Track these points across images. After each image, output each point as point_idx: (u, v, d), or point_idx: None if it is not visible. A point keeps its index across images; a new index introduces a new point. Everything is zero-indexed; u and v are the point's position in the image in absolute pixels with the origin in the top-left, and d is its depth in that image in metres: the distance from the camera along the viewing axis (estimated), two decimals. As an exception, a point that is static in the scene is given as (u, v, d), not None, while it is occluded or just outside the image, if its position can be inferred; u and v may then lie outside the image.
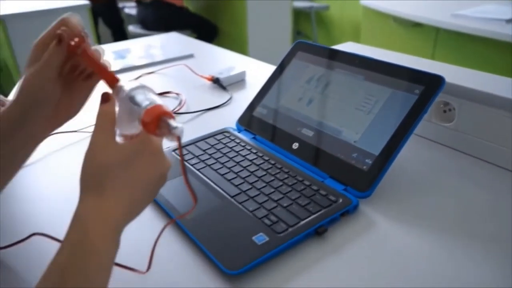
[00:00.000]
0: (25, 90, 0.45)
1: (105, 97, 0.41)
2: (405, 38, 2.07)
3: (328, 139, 0.65)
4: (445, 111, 0.71)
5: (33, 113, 0.45)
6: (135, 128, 0.41)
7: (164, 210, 0.57)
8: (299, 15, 4.02)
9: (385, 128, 0.60)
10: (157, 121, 0.38)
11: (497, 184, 0.62)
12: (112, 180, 0.38)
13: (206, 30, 3.14)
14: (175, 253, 0.51)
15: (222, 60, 1.26)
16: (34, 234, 0.51)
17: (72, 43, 0.45)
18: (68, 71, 0.48)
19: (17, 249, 0.51)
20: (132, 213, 0.40)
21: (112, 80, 0.43)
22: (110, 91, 0.43)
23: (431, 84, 0.60)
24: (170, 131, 0.38)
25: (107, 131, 0.40)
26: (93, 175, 0.38)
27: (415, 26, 1.95)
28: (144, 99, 0.40)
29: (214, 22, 3.17)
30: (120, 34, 3.42)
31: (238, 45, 3.04)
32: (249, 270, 0.47)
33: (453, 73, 0.71)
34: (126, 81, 0.43)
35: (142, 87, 0.41)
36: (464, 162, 0.68)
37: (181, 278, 0.47)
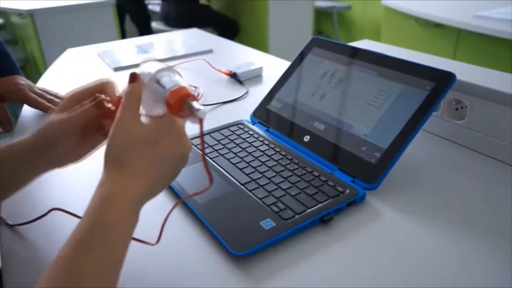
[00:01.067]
0: (47, 132, 0.47)
1: (133, 77, 0.44)
2: (426, 38, 2.05)
3: (339, 133, 0.67)
4: (457, 109, 0.71)
5: (44, 153, 0.48)
6: (160, 109, 0.43)
7: (175, 191, 0.59)
8: (321, 15, 4.01)
9: (395, 123, 0.61)
10: (181, 102, 0.40)
11: (507, 181, 0.62)
12: (136, 157, 0.41)
13: (228, 28, 3.17)
14: (185, 232, 0.53)
15: (240, 56, 1.29)
16: (53, 209, 0.54)
17: (111, 107, 0.47)
18: (91, 127, 0.49)
19: (37, 224, 0.54)
20: (153, 191, 0.43)
21: (133, 76, 0.45)
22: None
23: (442, 80, 0.61)
24: (193, 113, 0.40)
25: (133, 110, 0.42)
26: (118, 151, 0.41)
27: (437, 26, 1.94)
28: (169, 81, 0.42)
29: (236, 20, 3.20)
30: (146, 31, 3.48)
31: (259, 43, 3.06)
32: (254, 253, 0.49)
33: (467, 71, 0.71)
34: (154, 62, 0.45)
35: (169, 69, 0.44)
36: (474, 159, 0.68)
37: (189, 255, 0.50)
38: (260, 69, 1.08)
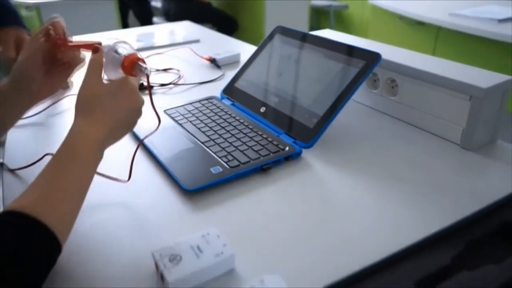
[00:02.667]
0: (17, 73, 0.62)
1: (95, 49, 0.56)
2: (409, 35, 2.16)
3: (288, 104, 0.79)
4: (392, 87, 0.83)
5: (23, 87, 0.61)
6: (118, 74, 0.56)
7: (135, 135, 0.72)
8: (318, 13, 4.13)
9: (331, 95, 0.74)
10: (133, 64, 0.53)
11: (428, 146, 0.74)
12: (98, 107, 0.53)
13: (227, 25, 3.30)
14: (148, 175, 0.66)
15: (224, 45, 1.41)
16: (47, 154, 0.67)
17: (57, 39, 0.61)
18: (50, 60, 0.63)
19: (34, 168, 0.67)
20: (114, 135, 0.55)
21: (95, 48, 0.57)
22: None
23: (371, 59, 0.73)
24: (142, 71, 0.53)
25: (96, 72, 0.55)
26: (85, 102, 0.53)
27: (418, 24, 2.05)
28: (124, 50, 0.55)
29: (234, 18, 3.33)
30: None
31: (256, 40, 3.18)
32: (202, 190, 0.62)
33: (401, 55, 0.83)
34: (110, 40, 0.58)
35: (124, 42, 0.57)
36: (403, 128, 0.80)
37: (151, 190, 0.63)
38: (238, 55, 1.20)
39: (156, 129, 0.59)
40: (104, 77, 0.56)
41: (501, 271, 0.42)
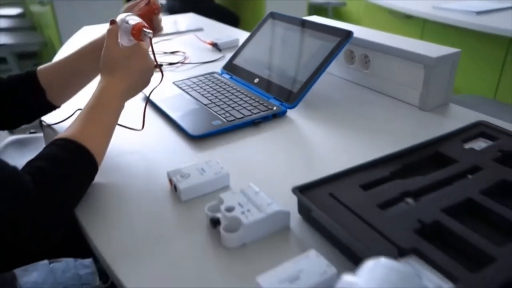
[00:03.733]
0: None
1: (112, 21, 0.71)
2: (398, 28, 2.31)
3: (277, 75, 0.95)
4: (366, 62, 0.99)
5: None
6: (130, 41, 0.71)
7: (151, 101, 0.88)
8: (317, 10, 4.28)
9: (312, 66, 0.89)
10: (140, 30, 0.68)
11: (391, 107, 0.89)
12: (119, 67, 0.68)
13: (229, 20, 3.45)
14: (159, 126, 0.82)
15: (224, 32, 1.56)
16: (78, 109, 0.82)
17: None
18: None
19: (67, 122, 0.82)
20: (132, 90, 0.70)
21: (111, 21, 0.72)
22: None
23: (344, 36, 0.88)
24: (146, 36, 0.68)
25: (114, 39, 0.69)
26: (108, 64, 0.68)
27: (406, 17, 2.20)
28: (132, 21, 0.69)
29: (237, 14, 3.49)
30: None
31: (256, 34, 3.34)
32: (205, 137, 0.77)
33: (373, 34, 0.98)
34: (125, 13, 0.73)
35: (132, 14, 0.72)
36: (373, 95, 0.95)
37: (161, 137, 0.78)
38: (237, 40, 1.36)
39: (160, 82, 0.74)
40: (120, 44, 0.71)
41: (426, 178, 0.58)
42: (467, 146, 0.67)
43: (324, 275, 0.43)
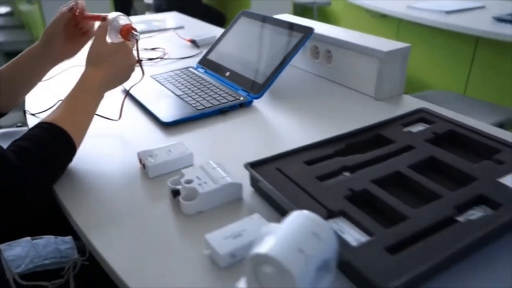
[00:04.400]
0: (47, 36, 0.81)
1: (103, 18, 0.78)
2: (375, 27, 2.41)
3: (245, 68, 1.02)
4: (329, 57, 1.07)
5: (48, 51, 0.82)
6: (118, 39, 0.78)
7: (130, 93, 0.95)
8: (303, 10, 4.36)
9: (277, 59, 0.97)
10: (128, 31, 0.75)
11: (350, 97, 0.97)
12: (104, 61, 0.75)
13: (215, 19, 3.52)
14: (135, 115, 0.89)
15: (205, 30, 1.63)
16: (59, 100, 0.89)
17: (77, 12, 0.82)
18: (72, 28, 0.83)
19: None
20: (112, 83, 0.77)
21: (103, 18, 0.79)
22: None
23: (307, 33, 0.96)
24: (134, 37, 0.75)
25: (102, 36, 0.77)
26: (94, 57, 0.75)
27: (382, 17, 2.29)
28: (123, 21, 0.77)
29: (223, 13, 3.56)
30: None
31: (242, 33, 3.41)
32: (176, 123, 0.85)
33: (336, 31, 1.07)
34: (116, 13, 0.80)
35: (124, 15, 0.79)
36: (334, 87, 1.03)
37: (135, 125, 0.86)
38: (214, 37, 1.42)
39: (141, 79, 0.81)
40: (108, 39, 0.78)
41: (364, 156, 0.66)
42: (406, 129, 0.75)
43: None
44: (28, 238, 0.81)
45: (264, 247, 0.38)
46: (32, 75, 0.85)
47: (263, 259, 0.38)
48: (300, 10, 4.33)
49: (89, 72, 0.75)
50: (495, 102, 1.69)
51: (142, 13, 3.92)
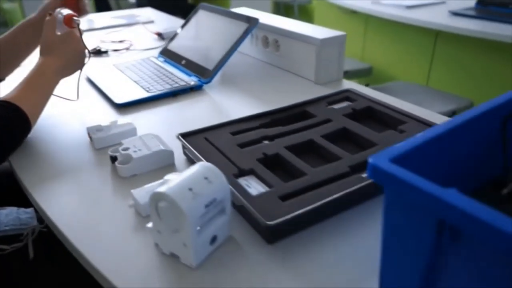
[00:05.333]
0: (42, 13, 0.91)
1: (49, 14, 0.87)
2: (345, 22, 2.50)
3: (199, 56, 1.11)
4: (278, 46, 1.15)
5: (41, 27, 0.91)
6: (65, 29, 0.86)
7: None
8: (284, 8, 4.45)
9: (225, 47, 1.05)
10: (70, 19, 0.84)
11: (294, 81, 1.06)
12: (55, 49, 0.83)
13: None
14: (91, 95, 0.97)
15: (173, 24, 1.72)
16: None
17: None
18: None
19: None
20: (66, 69, 0.85)
21: (49, 14, 0.88)
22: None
23: (252, 23, 1.05)
24: (75, 22, 0.83)
25: (51, 27, 0.85)
26: (46, 46, 0.84)
27: (352, 13, 2.38)
28: (65, 12, 0.85)
29: (203, 10, 3.64)
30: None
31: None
32: (128, 105, 0.93)
33: (282, 22, 1.15)
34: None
35: (65, 8, 0.87)
36: (281, 73, 1.12)
37: (91, 106, 0.94)
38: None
39: (88, 58, 0.89)
40: (57, 31, 0.86)
41: (285, 127, 0.74)
42: (330, 107, 0.84)
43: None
44: (-9, 208, 0.89)
45: (161, 188, 0.47)
46: (26, 46, 0.95)
47: (160, 196, 0.47)
48: (282, 8, 4.43)
49: (43, 60, 0.83)
50: (455, 93, 1.79)
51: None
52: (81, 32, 0.85)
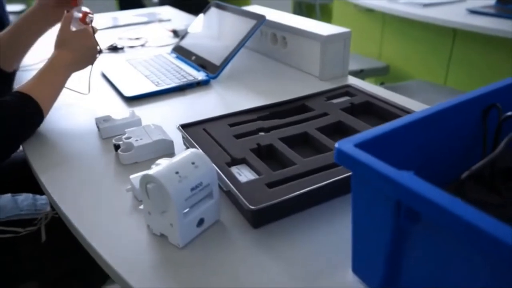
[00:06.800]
0: (43, 3, 0.96)
1: (67, 11, 0.91)
2: (363, 21, 2.49)
3: (208, 52, 1.14)
4: (285, 42, 1.17)
5: (43, 16, 0.96)
6: (80, 27, 0.91)
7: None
8: (306, 7, 4.45)
9: (233, 44, 1.08)
10: (85, 16, 0.88)
11: (300, 77, 1.08)
12: (69, 43, 0.88)
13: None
14: (104, 90, 1.02)
15: (189, 22, 1.75)
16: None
17: None
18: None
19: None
20: (78, 64, 0.90)
21: (75, 3, 0.93)
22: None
23: (260, 19, 1.07)
24: (90, 19, 0.88)
25: (67, 24, 0.90)
26: (60, 42, 0.88)
27: (369, 11, 2.37)
28: (81, 11, 0.90)
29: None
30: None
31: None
32: (139, 98, 0.97)
33: (290, 19, 1.17)
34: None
35: (83, 7, 0.92)
36: (288, 69, 1.14)
37: (103, 99, 0.98)
38: (194, 28, 1.55)
39: (99, 54, 0.93)
40: (72, 28, 0.91)
41: (281, 120, 0.77)
42: (329, 101, 0.85)
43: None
44: (9, 194, 0.95)
45: (150, 170, 0.50)
46: (31, 36, 1.00)
47: (149, 178, 0.50)
48: (304, 8, 4.43)
49: (57, 54, 0.87)
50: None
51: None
52: (94, 29, 0.90)
